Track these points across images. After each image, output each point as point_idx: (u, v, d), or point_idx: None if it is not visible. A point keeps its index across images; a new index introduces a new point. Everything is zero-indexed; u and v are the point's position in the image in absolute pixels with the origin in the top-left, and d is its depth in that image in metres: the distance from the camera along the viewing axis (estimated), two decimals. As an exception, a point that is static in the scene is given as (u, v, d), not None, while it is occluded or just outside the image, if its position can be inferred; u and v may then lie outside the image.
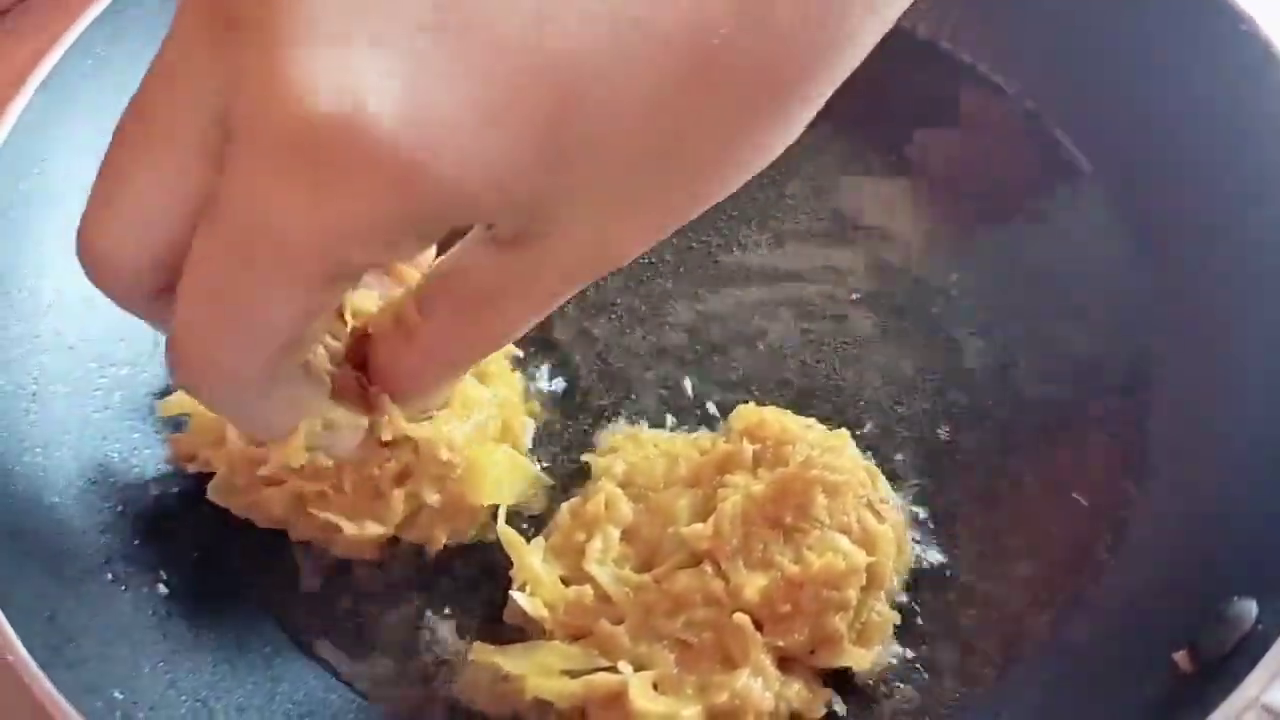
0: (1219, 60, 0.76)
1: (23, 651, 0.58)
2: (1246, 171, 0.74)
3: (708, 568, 0.65)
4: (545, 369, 0.79)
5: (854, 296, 0.81)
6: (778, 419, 0.71)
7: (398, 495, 0.69)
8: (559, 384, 0.78)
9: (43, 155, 0.76)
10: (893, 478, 0.72)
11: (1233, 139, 0.75)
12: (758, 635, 0.63)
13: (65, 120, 0.78)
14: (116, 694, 0.61)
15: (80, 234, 0.45)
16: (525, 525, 0.72)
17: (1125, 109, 0.82)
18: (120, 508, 0.71)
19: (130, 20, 0.79)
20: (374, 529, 0.69)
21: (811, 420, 0.73)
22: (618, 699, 0.61)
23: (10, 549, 0.65)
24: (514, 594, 0.66)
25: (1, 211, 0.74)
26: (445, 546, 0.71)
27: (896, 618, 0.67)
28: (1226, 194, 0.75)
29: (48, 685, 0.57)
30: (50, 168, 0.77)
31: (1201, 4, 0.76)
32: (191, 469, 0.71)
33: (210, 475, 0.70)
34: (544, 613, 0.65)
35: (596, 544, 0.67)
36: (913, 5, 0.46)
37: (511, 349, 0.78)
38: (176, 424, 0.74)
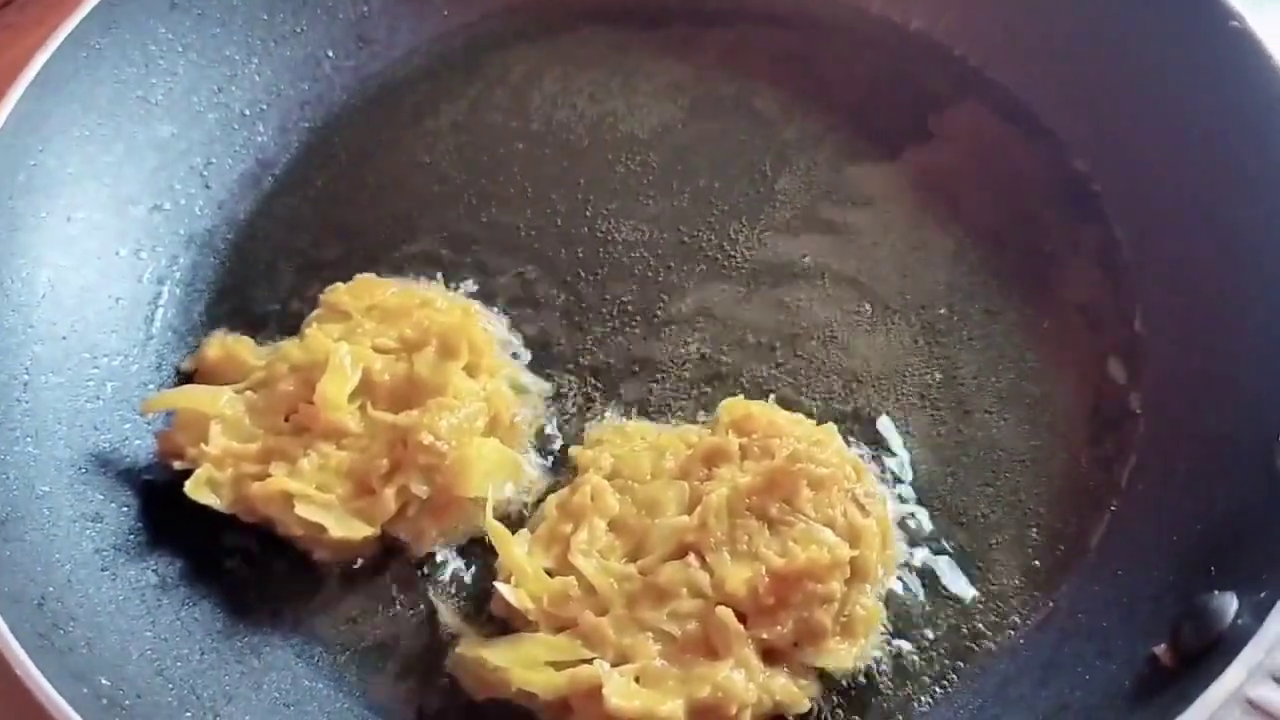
0: (1207, 55, 0.76)
1: (10, 638, 0.59)
2: (1232, 161, 0.74)
3: (693, 559, 0.65)
4: (535, 362, 0.79)
5: (843, 290, 0.81)
6: (765, 412, 0.71)
7: (389, 494, 0.69)
8: (548, 376, 0.78)
9: (39, 147, 0.77)
10: (880, 473, 0.72)
11: (1219, 129, 0.75)
12: (741, 628, 0.63)
13: (61, 112, 0.78)
14: (104, 681, 0.62)
15: None
16: (513, 517, 0.72)
17: (1116, 103, 0.82)
18: (110, 497, 0.72)
19: (124, 14, 0.78)
20: (360, 529, 0.69)
21: (799, 415, 0.73)
22: (600, 692, 0.61)
23: (0, 536, 0.65)
24: (498, 585, 0.66)
25: (-3, 202, 0.74)
26: (433, 540, 0.71)
27: (883, 612, 0.67)
28: (1215, 185, 0.75)
29: (34, 671, 0.58)
30: (46, 159, 0.77)
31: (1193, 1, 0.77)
32: (178, 466, 0.71)
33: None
34: (528, 604, 0.65)
35: (582, 535, 0.67)
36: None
37: (500, 341, 0.79)
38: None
